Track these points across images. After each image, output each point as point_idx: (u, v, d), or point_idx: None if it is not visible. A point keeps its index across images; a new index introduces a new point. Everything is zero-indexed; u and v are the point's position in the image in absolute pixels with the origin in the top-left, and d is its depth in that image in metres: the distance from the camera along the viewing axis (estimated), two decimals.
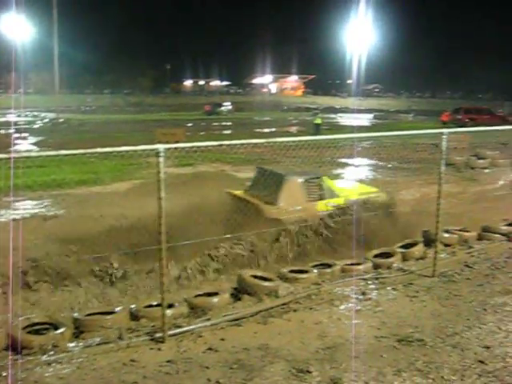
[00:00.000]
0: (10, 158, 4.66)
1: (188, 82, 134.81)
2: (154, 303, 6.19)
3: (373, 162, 19.52)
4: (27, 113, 57.52)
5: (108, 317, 5.96)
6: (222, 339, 5.43)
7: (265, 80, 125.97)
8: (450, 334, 5.55)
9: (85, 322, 5.84)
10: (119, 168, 17.22)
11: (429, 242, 8.54)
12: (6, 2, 53.03)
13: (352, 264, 7.81)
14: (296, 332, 5.59)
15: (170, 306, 6.01)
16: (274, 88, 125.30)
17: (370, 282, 7.13)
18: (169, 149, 5.27)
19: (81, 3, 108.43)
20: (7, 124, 41.08)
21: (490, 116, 41.50)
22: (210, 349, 5.22)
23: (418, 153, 18.86)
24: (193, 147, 5.49)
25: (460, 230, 9.52)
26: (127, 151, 5.26)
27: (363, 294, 6.69)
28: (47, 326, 5.76)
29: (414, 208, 12.92)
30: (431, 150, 11.80)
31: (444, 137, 7.21)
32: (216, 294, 6.51)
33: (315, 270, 7.38)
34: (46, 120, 49.32)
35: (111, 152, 5.18)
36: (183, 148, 5.49)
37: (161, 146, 5.14)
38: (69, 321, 5.93)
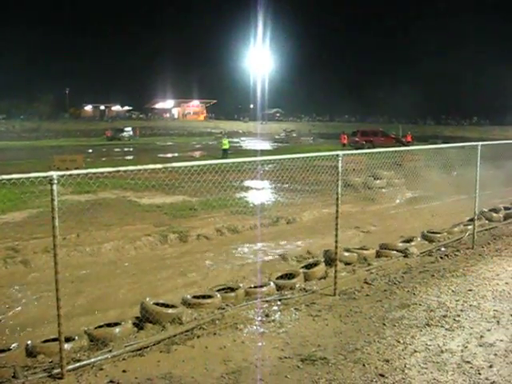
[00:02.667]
0: None
1: (88, 107, 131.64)
2: (52, 337, 5.91)
3: (275, 184, 19.84)
4: None
5: (2, 354, 5.65)
6: (124, 371, 5.25)
7: (167, 105, 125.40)
8: (351, 350, 5.67)
9: None
10: (15, 196, 16.45)
11: (330, 261, 8.73)
12: None
13: (255, 287, 7.83)
14: (200, 358, 5.51)
15: (69, 339, 5.76)
16: (176, 113, 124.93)
17: (273, 304, 7.19)
18: (63, 176, 5.09)
19: None
20: None
21: (385, 138, 43.47)
22: (111, 382, 5.04)
23: (318, 175, 19.32)
24: (88, 173, 5.34)
25: (359, 249, 9.83)
26: (18, 179, 5.02)
27: (267, 316, 6.72)
28: None
29: (314, 228, 13.26)
30: (330, 171, 12.13)
31: (339, 159, 7.45)
32: (118, 324, 6.32)
33: (219, 295, 7.33)
34: None
35: (0, 180, 4.93)
36: (78, 175, 5.33)
37: (54, 173, 4.96)
38: None
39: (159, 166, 5.77)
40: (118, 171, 5.49)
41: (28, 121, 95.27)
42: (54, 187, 4.96)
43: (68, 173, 5.21)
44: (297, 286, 7.93)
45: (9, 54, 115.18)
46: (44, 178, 5.01)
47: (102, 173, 5.42)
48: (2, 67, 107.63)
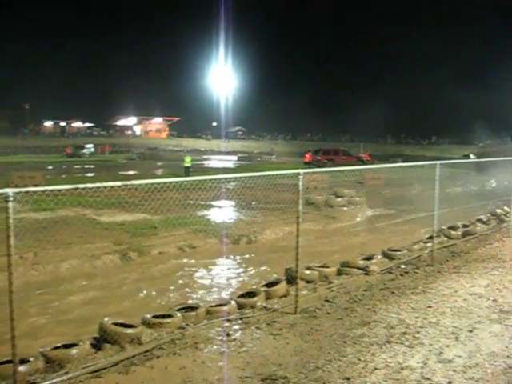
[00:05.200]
0: None
1: (48, 123, 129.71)
2: (6, 359, 5.72)
3: (237, 203, 19.83)
4: None
5: None
6: None
7: (129, 122, 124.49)
8: (312, 368, 5.65)
9: None
10: None
11: (291, 279, 8.73)
12: None
13: (217, 305, 7.77)
14: (159, 379, 5.42)
15: (24, 361, 5.60)
16: (138, 130, 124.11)
17: (234, 323, 7.13)
18: (19, 193, 4.98)
19: None
20: None
21: (347, 157, 44.04)
22: None
23: (280, 193, 19.41)
24: (46, 190, 5.23)
25: (321, 267, 9.86)
26: None
27: (227, 335, 6.66)
28: None
29: (276, 246, 13.26)
30: (292, 190, 12.19)
31: (300, 177, 7.49)
32: (75, 345, 6.16)
33: (179, 314, 7.24)
34: None
35: None
36: (35, 192, 5.21)
37: (10, 190, 4.85)
38: None
39: (118, 183, 5.70)
40: (77, 188, 5.40)
41: None
42: (10, 204, 4.84)
43: (24, 190, 5.09)
44: (258, 304, 7.89)
45: None
46: None
47: (60, 190, 5.33)
48: None
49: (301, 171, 7.60)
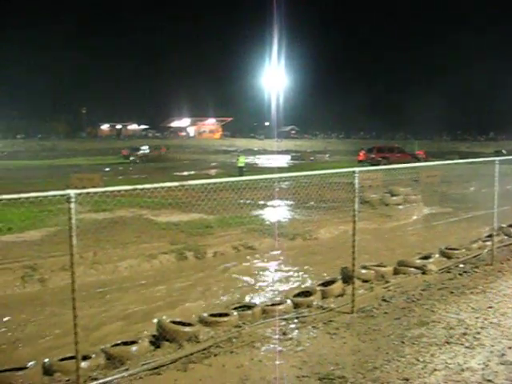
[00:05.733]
0: None
1: (105, 126, 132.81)
2: (69, 355, 5.89)
3: (291, 202, 19.80)
4: None
5: (19, 373, 5.62)
6: None
7: (183, 123, 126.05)
8: (370, 368, 5.59)
9: None
10: (33, 215, 16.57)
11: (347, 278, 8.66)
12: None
13: (273, 304, 7.78)
14: (217, 377, 5.47)
15: (86, 357, 5.74)
16: (191, 131, 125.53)
17: (290, 322, 7.13)
18: (80, 194, 5.12)
19: None
20: None
21: (401, 154, 43.30)
22: None
23: (334, 192, 19.29)
24: (106, 191, 5.36)
25: (377, 266, 9.73)
26: (36, 197, 5.06)
27: (284, 334, 6.66)
28: None
29: (331, 245, 13.18)
30: (346, 188, 12.11)
31: (356, 175, 7.42)
32: (134, 342, 6.30)
33: (235, 313, 7.29)
34: None
35: (18, 198, 4.96)
36: (96, 193, 5.35)
37: (72, 192, 4.99)
38: None
39: (176, 183, 5.78)
40: (135, 189, 5.51)
41: (46, 140, 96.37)
42: (72, 205, 4.97)
43: (85, 191, 5.23)
44: (314, 303, 7.86)
45: (26, 74, 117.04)
46: (61, 196, 5.03)
47: (119, 191, 5.45)
48: (20, 88, 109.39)
49: (356, 169, 7.53)
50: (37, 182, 28.42)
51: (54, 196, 5.06)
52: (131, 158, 56.24)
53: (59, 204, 6.75)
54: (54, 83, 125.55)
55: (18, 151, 76.41)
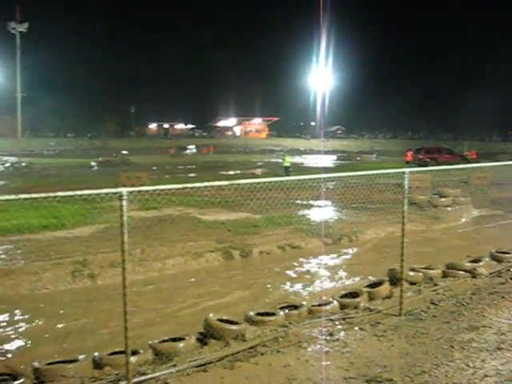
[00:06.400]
0: None
1: (153, 126, 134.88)
2: (118, 350, 6.00)
3: (337, 202, 19.67)
4: None
5: (70, 365, 5.75)
6: None
7: (229, 123, 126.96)
8: (418, 372, 5.51)
9: (45, 371, 5.63)
10: (83, 212, 16.97)
11: (394, 280, 8.55)
12: None
13: (319, 305, 7.75)
14: (264, 376, 5.48)
15: (134, 352, 5.84)
16: (238, 131, 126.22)
17: (337, 323, 7.08)
18: (132, 192, 5.20)
19: (44, 47, 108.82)
20: None
21: (450, 155, 42.42)
22: None
23: (381, 192, 19.07)
24: (156, 190, 5.44)
25: (425, 268, 9.58)
26: (90, 195, 5.18)
27: (331, 334, 6.63)
28: (6, 377, 5.54)
29: (378, 246, 13.03)
30: (394, 189, 11.99)
31: (406, 176, 7.31)
32: (182, 338, 6.37)
33: (282, 312, 7.30)
34: (8, 164, 48.64)
35: (73, 196, 5.09)
36: (147, 191, 5.44)
37: (124, 189, 5.08)
38: (29, 371, 5.72)
39: (225, 182, 5.82)
40: (185, 188, 5.58)
41: (95, 139, 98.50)
42: (124, 203, 5.06)
43: (137, 189, 5.32)
44: (361, 305, 7.80)
45: (77, 75, 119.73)
46: (114, 194, 5.13)
47: (169, 189, 5.53)
48: (71, 88, 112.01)
49: (406, 170, 7.42)
50: (87, 180, 29.11)
51: (107, 194, 5.17)
52: (92, 163, 48.75)
53: (109, 201, 6.89)
54: (104, 83, 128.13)
55: (69, 150, 78.32)
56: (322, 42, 64.18)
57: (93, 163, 47.82)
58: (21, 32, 51.18)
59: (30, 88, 68.92)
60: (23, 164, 47.37)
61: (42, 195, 4.89)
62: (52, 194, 4.90)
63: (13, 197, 4.88)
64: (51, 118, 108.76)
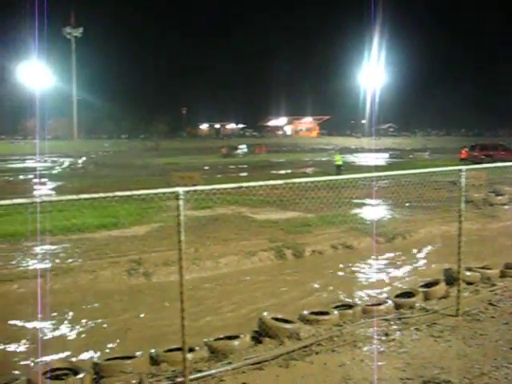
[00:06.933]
0: (32, 203, 4.71)
1: (204, 126, 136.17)
2: (174, 347, 6.11)
3: (390, 201, 19.42)
4: (46, 158, 58.48)
5: (128, 361, 5.87)
6: (244, 383, 5.34)
7: (279, 122, 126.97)
8: (477, 374, 5.41)
9: (105, 366, 5.78)
10: (138, 211, 17.32)
11: (450, 280, 8.41)
12: (25, 50, 54.45)
13: (373, 304, 7.69)
14: (319, 375, 5.48)
15: (191, 349, 5.93)
16: (288, 130, 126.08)
17: (392, 323, 7.01)
18: (188, 191, 5.29)
19: (99, 51, 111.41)
20: (27, 170, 41.79)
21: (506, 152, 41.26)
22: None
23: (435, 191, 18.76)
24: (212, 189, 5.52)
25: (482, 268, 9.37)
26: (147, 194, 5.29)
27: (386, 334, 6.57)
28: (67, 372, 5.71)
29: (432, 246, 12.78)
30: (449, 187, 11.76)
31: (462, 174, 7.17)
32: (237, 337, 6.43)
33: (336, 312, 7.27)
34: (65, 165, 50.00)
35: (131, 195, 5.22)
36: (202, 190, 5.52)
37: (180, 189, 5.16)
38: (89, 366, 5.88)
39: (280, 181, 5.85)
40: (241, 187, 5.62)
41: (147, 140, 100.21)
42: (180, 202, 5.15)
43: (193, 188, 5.40)
44: (416, 305, 7.69)
45: (129, 77, 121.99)
46: (171, 193, 5.23)
47: (225, 189, 5.59)
48: (123, 90, 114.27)
49: (463, 168, 7.28)
50: (141, 180, 29.64)
51: (164, 193, 5.27)
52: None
53: (165, 201, 7.06)
54: (155, 85, 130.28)
55: (122, 151, 79.94)
56: (374, 39, 63.48)
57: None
58: (75, 37, 52.42)
59: (85, 91, 70.69)
60: (79, 165, 48.52)
61: (102, 195, 5.02)
62: (111, 194, 5.03)
63: (74, 197, 5.03)
64: (105, 121, 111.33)
